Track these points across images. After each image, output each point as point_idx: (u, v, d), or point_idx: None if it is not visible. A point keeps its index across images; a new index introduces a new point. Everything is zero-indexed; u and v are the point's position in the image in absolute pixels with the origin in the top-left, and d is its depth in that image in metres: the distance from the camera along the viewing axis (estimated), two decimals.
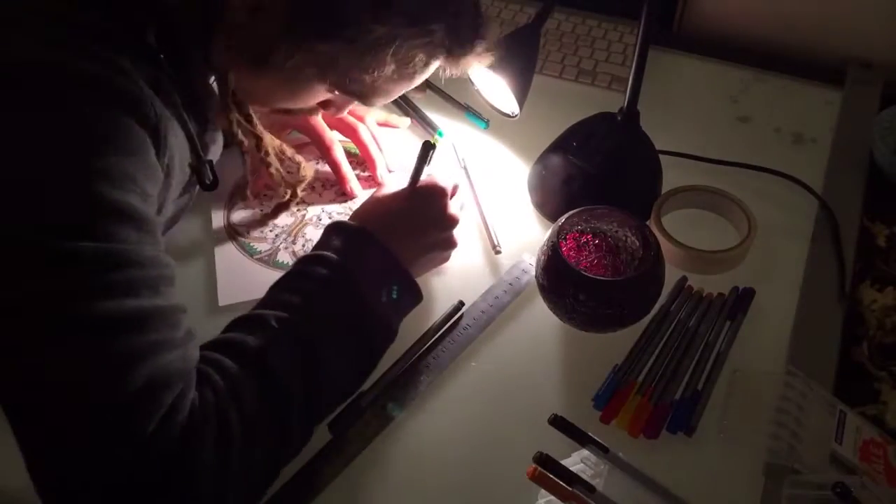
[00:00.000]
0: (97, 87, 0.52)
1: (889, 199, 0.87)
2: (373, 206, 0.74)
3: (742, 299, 0.75)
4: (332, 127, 0.87)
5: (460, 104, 0.98)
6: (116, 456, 0.49)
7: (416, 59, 0.62)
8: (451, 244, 0.75)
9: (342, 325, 0.63)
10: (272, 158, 0.77)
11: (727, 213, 0.83)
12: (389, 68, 0.61)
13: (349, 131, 0.88)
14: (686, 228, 0.80)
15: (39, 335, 0.49)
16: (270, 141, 0.77)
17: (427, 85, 1.02)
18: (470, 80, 0.91)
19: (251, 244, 0.81)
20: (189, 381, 0.53)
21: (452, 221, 0.75)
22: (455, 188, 0.78)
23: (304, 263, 0.66)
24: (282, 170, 0.80)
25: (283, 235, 0.82)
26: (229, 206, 0.85)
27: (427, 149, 0.73)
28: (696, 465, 0.64)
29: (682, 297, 0.76)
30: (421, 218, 0.73)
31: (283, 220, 0.84)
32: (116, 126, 0.53)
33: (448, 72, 0.68)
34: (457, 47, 0.65)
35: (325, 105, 0.74)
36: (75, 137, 0.51)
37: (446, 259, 0.77)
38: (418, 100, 1.00)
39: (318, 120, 0.86)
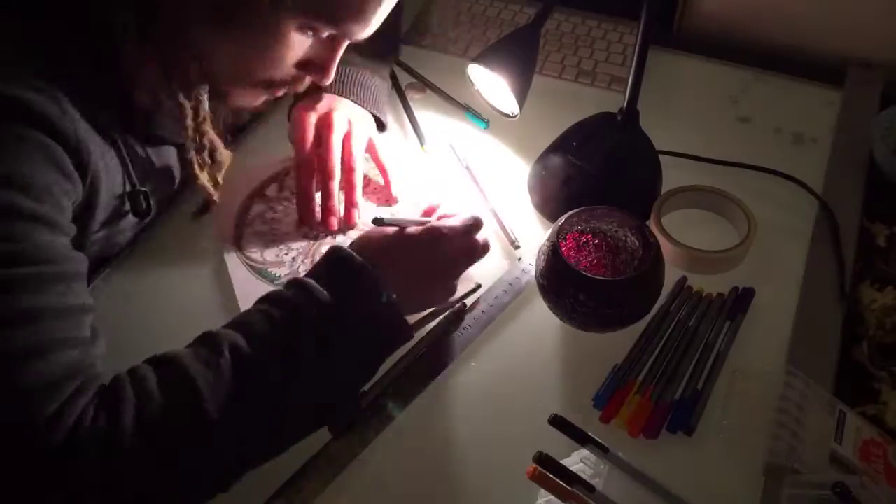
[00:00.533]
0: (20, 109, 0.54)
1: (889, 199, 0.87)
2: (387, 243, 0.68)
3: (742, 299, 0.75)
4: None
5: (460, 104, 0.98)
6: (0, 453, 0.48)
7: None
8: (452, 291, 0.72)
9: (310, 364, 0.58)
10: (204, 155, 0.71)
11: (727, 213, 0.83)
12: None
13: (347, 169, 0.82)
14: (686, 228, 0.80)
15: None
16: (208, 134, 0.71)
17: (427, 85, 1.02)
18: (470, 80, 0.91)
19: (268, 270, 0.79)
20: (86, 383, 0.51)
21: (467, 258, 0.71)
22: (478, 222, 0.73)
23: (293, 289, 0.62)
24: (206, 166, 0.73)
25: (301, 257, 0.81)
26: (241, 235, 0.82)
27: (377, 223, 0.68)
28: (696, 465, 0.65)
29: (682, 297, 0.76)
30: (429, 262, 0.68)
31: (298, 242, 0.82)
32: (38, 147, 0.55)
33: None
34: None
35: (306, 67, 0.68)
36: None
37: (445, 302, 0.73)
38: (417, 101, 1.00)
39: (331, 148, 0.81)
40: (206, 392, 0.53)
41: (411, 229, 0.69)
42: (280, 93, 0.71)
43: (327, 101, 0.84)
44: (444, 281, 0.71)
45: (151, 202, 0.71)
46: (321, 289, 0.61)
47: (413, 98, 1.00)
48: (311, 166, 0.81)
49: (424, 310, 0.72)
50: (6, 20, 0.57)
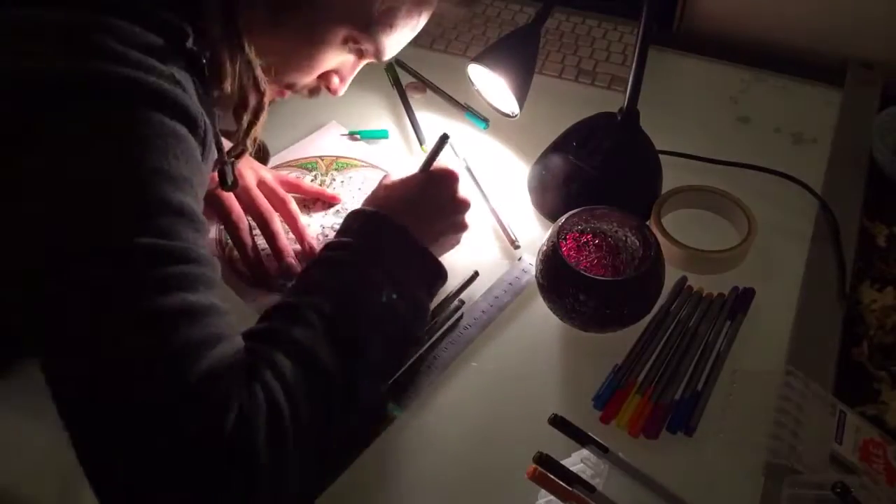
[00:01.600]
0: (163, 100, 0.54)
1: (889, 199, 0.87)
2: (385, 191, 0.73)
3: (742, 299, 0.75)
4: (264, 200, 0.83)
5: (460, 104, 0.98)
6: (173, 451, 0.48)
7: None
8: (462, 227, 0.76)
9: (375, 307, 0.63)
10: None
11: (727, 213, 0.83)
12: None
13: (280, 204, 0.83)
14: (686, 228, 0.80)
15: (96, 329, 0.49)
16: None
17: (427, 85, 1.02)
18: (470, 80, 0.91)
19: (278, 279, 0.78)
20: (239, 372, 0.53)
21: (465, 204, 0.75)
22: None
23: (331, 249, 0.67)
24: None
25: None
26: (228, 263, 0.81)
27: (443, 140, 0.74)
28: (696, 465, 0.64)
29: (682, 297, 0.76)
30: (434, 202, 0.74)
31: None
32: (176, 134, 0.55)
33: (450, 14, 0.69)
34: None
35: (325, 77, 0.73)
36: (142, 140, 0.52)
37: (457, 242, 0.77)
38: (417, 100, 1.00)
39: (255, 192, 0.82)
40: (318, 352, 0.57)
41: (408, 176, 0.74)
42: (287, 96, 0.75)
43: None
44: (449, 215, 0.74)
45: (236, 177, 0.72)
46: (357, 241, 0.66)
47: (413, 97, 1.00)
48: (243, 223, 0.81)
49: (442, 247, 0.75)
50: (135, 9, 0.56)
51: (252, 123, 0.67)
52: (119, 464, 0.49)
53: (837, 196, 0.85)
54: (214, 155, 0.65)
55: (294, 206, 0.83)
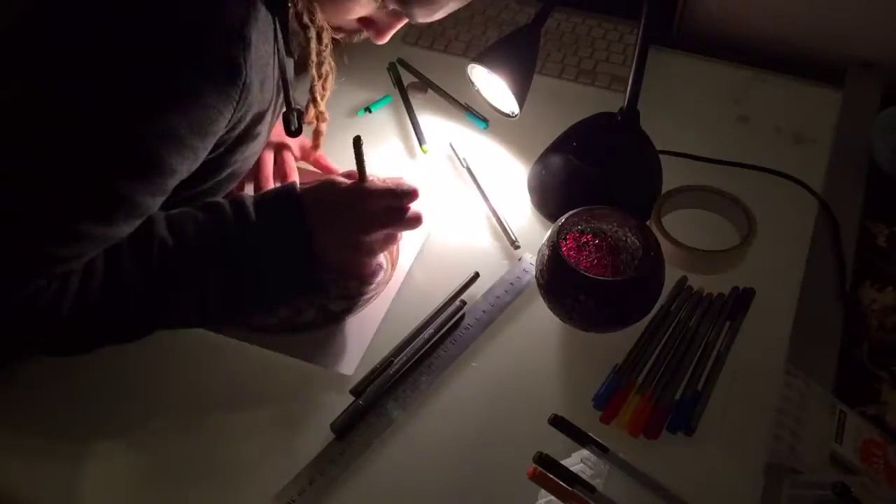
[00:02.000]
0: (214, 62, 0.59)
1: (889, 199, 0.87)
2: (321, 184, 0.74)
3: (742, 299, 0.75)
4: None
5: (460, 104, 0.98)
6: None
7: None
8: (391, 240, 0.76)
9: (214, 268, 0.67)
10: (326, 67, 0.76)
11: (727, 213, 0.83)
12: None
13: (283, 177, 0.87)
14: (686, 228, 0.80)
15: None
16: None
17: (428, 84, 1.02)
18: (470, 80, 0.91)
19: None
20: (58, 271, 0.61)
21: (372, 225, 0.73)
22: (413, 194, 0.75)
23: (231, 203, 0.69)
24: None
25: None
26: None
27: (357, 144, 0.72)
28: (696, 465, 0.65)
29: (682, 297, 0.76)
30: (348, 212, 0.72)
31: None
32: (213, 92, 0.60)
33: None
34: None
35: (366, 23, 0.73)
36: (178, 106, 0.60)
37: (363, 265, 0.76)
38: (417, 100, 1.00)
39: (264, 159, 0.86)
40: (132, 270, 0.64)
41: (343, 178, 0.76)
42: (339, 37, 0.76)
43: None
44: (359, 232, 0.73)
45: (301, 122, 0.75)
46: (251, 208, 0.69)
47: (415, 97, 1.00)
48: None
49: (336, 263, 0.74)
50: None
51: (310, 51, 0.70)
52: None
53: (837, 196, 0.85)
54: (270, 101, 0.69)
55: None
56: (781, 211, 0.84)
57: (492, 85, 0.89)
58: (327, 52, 0.73)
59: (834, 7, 1.03)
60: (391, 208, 0.73)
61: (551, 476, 0.56)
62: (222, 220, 0.68)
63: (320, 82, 0.74)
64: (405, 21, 0.73)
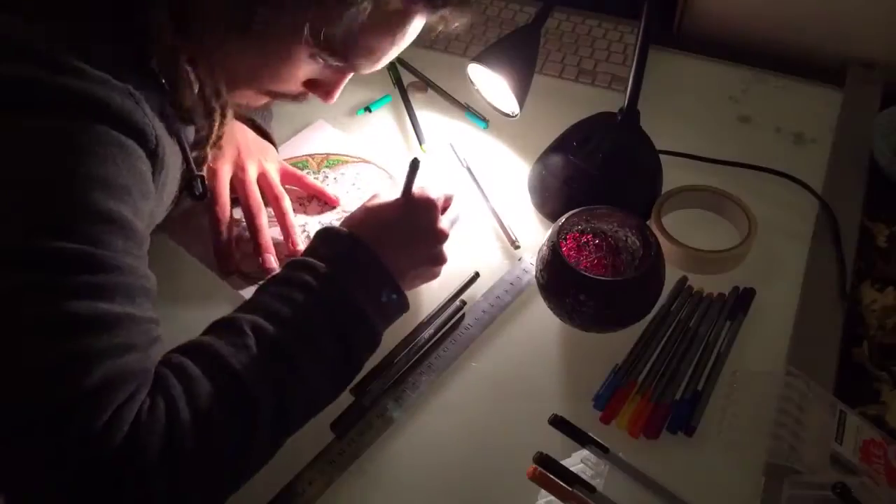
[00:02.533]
0: (107, 111, 0.54)
1: (889, 199, 0.87)
2: (364, 214, 0.72)
3: (742, 299, 0.75)
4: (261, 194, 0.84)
5: (461, 104, 0.98)
6: (64, 454, 0.48)
7: (391, 3, 0.61)
8: (440, 259, 0.73)
9: (325, 334, 0.61)
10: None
11: (727, 213, 0.83)
12: (364, 14, 0.59)
13: (273, 200, 0.84)
14: (686, 228, 0.80)
15: (3, 329, 0.49)
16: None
17: (429, 84, 1.02)
18: (470, 80, 0.91)
19: None
20: (143, 383, 0.52)
21: (442, 236, 0.73)
22: (448, 201, 0.76)
23: (292, 269, 0.64)
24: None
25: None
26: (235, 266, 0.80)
27: (414, 166, 0.71)
28: (696, 465, 0.64)
29: (682, 297, 0.76)
30: (412, 230, 0.71)
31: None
32: (120, 144, 0.55)
33: (439, 27, 0.66)
34: None
35: (312, 86, 0.70)
36: (80, 147, 0.53)
37: (436, 275, 0.75)
38: (417, 99, 1.00)
39: (251, 186, 0.83)
40: (242, 371, 0.55)
41: (389, 200, 0.72)
42: (272, 103, 0.75)
43: (234, 150, 0.83)
44: (426, 246, 0.72)
45: (206, 187, 0.72)
46: (322, 264, 0.64)
47: (414, 97, 1.00)
48: (224, 215, 0.81)
49: (416, 278, 0.73)
50: (71, 23, 0.56)
51: (209, 134, 0.67)
52: (12, 471, 0.49)
53: (837, 196, 0.85)
54: (178, 167, 0.66)
55: (286, 204, 0.83)
56: (781, 211, 0.84)
57: (492, 85, 0.89)
58: (226, 128, 0.68)
59: (834, 7, 1.03)
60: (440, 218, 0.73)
61: (551, 476, 0.56)
62: (304, 284, 0.62)
63: (212, 156, 0.71)
64: (351, 75, 0.70)
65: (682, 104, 0.99)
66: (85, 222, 0.52)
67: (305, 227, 0.84)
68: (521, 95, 0.85)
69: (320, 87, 0.70)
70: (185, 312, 0.75)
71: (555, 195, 0.84)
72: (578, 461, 0.60)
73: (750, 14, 1.08)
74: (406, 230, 0.71)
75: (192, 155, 0.69)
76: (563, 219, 0.72)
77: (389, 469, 0.65)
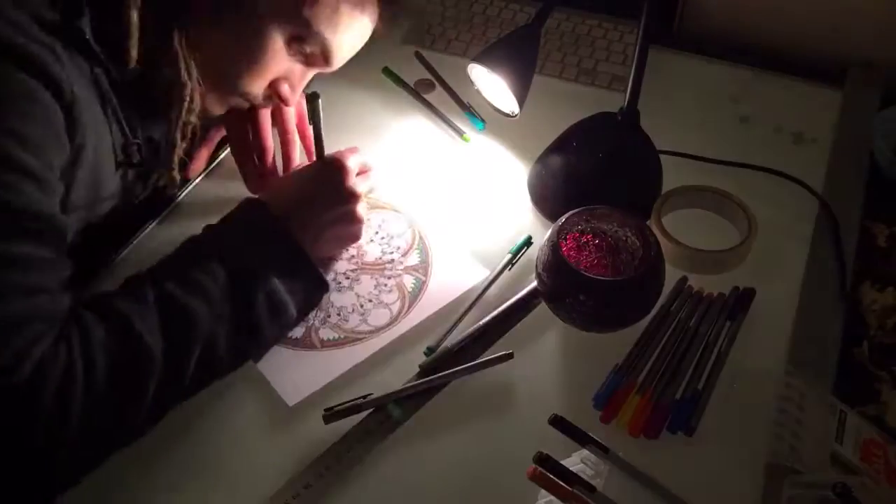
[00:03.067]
0: (24, 61, 0.56)
1: (889, 199, 0.87)
2: (283, 181, 0.77)
3: (742, 299, 0.75)
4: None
5: (463, 103, 0.98)
6: None
7: None
8: (354, 219, 0.76)
9: (230, 300, 0.64)
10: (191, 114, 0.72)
11: (727, 213, 0.83)
12: None
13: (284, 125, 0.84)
14: (686, 228, 0.79)
15: None
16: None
17: (438, 82, 1.02)
18: (470, 80, 0.91)
19: None
20: (51, 325, 0.55)
21: (353, 196, 0.75)
22: (364, 167, 0.80)
23: (203, 232, 0.68)
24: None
25: (313, 313, 0.76)
26: None
27: (312, 101, 0.73)
28: (696, 465, 0.64)
29: (682, 297, 0.76)
30: (324, 191, 0.74)
31: None
32: (32, 96, 0.57)
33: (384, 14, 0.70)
34: None
35: (277, 84, 0.73)
36: None
37: (356, 235, 0.78)
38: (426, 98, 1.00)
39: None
40: (138, 322, 0.59)
41: (305, 165, 0.78)
42: (246, 106, 0.77)
43: None
44: (338, 204, 0.74)
45: (144, 154, 0.73)
46: (230, 230, 0.68)
47: (423, 95, 1.00)
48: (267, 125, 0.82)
49: (333, 239, 0.76)
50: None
51: (178, 117, 0.69)
52: None
53: (837, 196, 0.85)
54: (108, 140, 0.67)
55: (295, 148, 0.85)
56: (781, 211, 0.84)
57: (492, 85, 0.89)
58: (193, 116, 0.70)
59: (834, 7, 1.03)
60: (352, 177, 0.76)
61: (551, 476, 0.56)
62: (203, 246, 0.67)
63: (182, 145, 0.72)
64: (313, 73, 0.75)
65: (682, 104, 0.99)
66: (1, 171, 0.54)
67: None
68: (521, 95, 0.85)
69: (281, 86, 0.74)
70: None
71: (555, 195, 0.84)
72: (578, 461, 0.60)
73: (750, 14, 1.08)
74: (318, 191, 0.74)
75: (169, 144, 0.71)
76: (563, 219, 0.72)
77: (389, 469, 0.65)
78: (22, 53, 0.56)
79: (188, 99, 0.68)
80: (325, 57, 0.72)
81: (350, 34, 0.72)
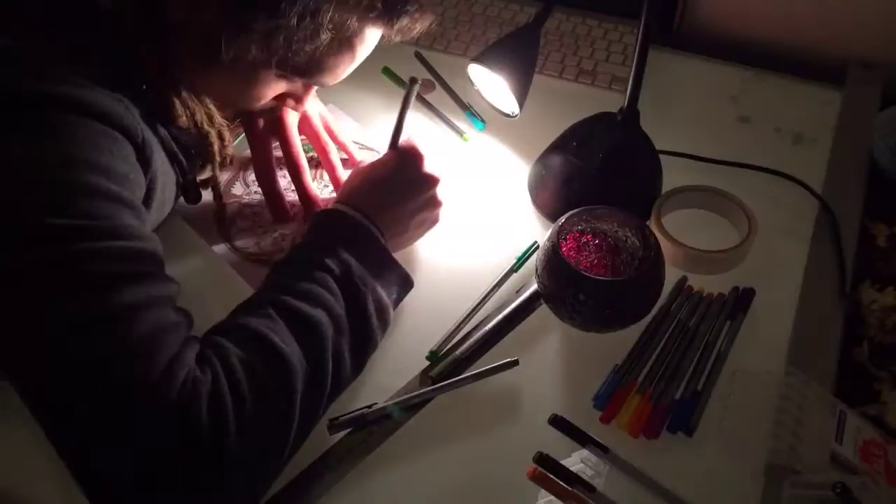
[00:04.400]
0: (101, 111, 0.58)
1: (889, 199, 0.87)
2: (360, 180, 0.75)
3: (742, 299, 0.75)
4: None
5: (463, 103, 0.98)
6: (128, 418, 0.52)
7: (350, 23, 0.63)
8: (436, 203, 0.77)
9: (346, 311, 0.65)
10: (228, 148, 0.76)
11: (727, 213, 0.83)
12: (325, 36, 0.62)
13: (311, 133, 0.86)
14: (686, 228, 0.80)
15: (37, 301, 0.52)
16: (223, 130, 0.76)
17: (438, 82, 1.02)
18: (470, 80, 0.91)
19: (274, 258, 0.80)
20: (189, 347, 0.56)
21: (433, 180, 0.76)
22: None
23: (297, 250, 0.69)
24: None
25: (296, 237, 0.81)
26: (227, 235, 0.83)
27: (411, 86, 0.74)
28: (696, 465, 0.64)
29: (682, 297, 0.76)
30: (404, 181, 0.75)
31: (287, 225, 0.83)
32: (114, 141, 0.59)
33: (391, 38, 0.69)
34: (388, 9, 0.65)
35: (283, 99, 0.74)
36: (74, 136, 0.56)
37: (436, 220, 0.78)
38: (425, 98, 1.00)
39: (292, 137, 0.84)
40: (274, 337, 0.59)
41: (378, 159, 0.77)
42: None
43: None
44: (420, 193, 0.75)
45: (200, 191, 0.79)
46: (323, 242, 0.68)
47: (426, 95, 1.00)
48: (300, 158, 0.83)
49: (419, 226, 0.77)
50: (59, 37, 0.60)
51: (212, 152, 0.73)
52: (92, 461, 0.53)
53: (837, 196, 0.85)
54: (172, 180, 0.70)
55: (334, 156, 0.85)
56: (781, 211, 0.84)
57: (492, 85, 0.89)
58: (230, 148, 0.75)
59: (834, 7, 1.03)
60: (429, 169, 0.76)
61: (551, 476, 0.56)
62: (322, 265, 0.66)
63: (222, 177, 0.76)
64: (315, 87, 0.76)
65: (682, 104, 0.99)
66: (95, 201, 0.55)
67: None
68: (521, 95, 0.85)
69: (287, 101, 0.75)
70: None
71: (555, 195, 0.84)
72: (578, 461, 0.60)
73: (750, 14, 1.08)
74: (399, 183, 0.74)
75: (199, 178, 0.75)
76: (563, 219, 0.72)
77: (389, 468, 0.65)
78: (91, 103, 0.57)
79: (216, 143, 0.72)
80: (319, 85, 0.73)
81: (344, 65, 0.70)
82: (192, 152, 0.72)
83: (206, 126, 0.70)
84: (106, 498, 0.53)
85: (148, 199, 0.65)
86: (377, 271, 0.68)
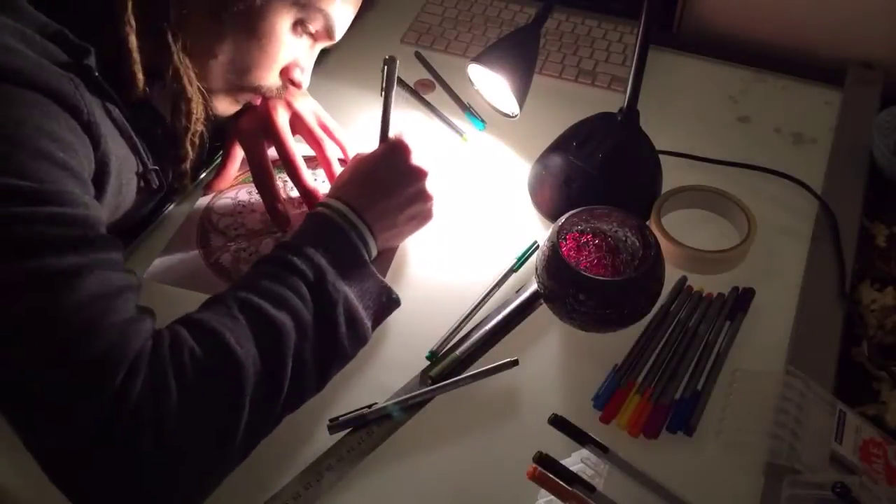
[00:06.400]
0: (48, 92, 0.58)
1: (889, 199, 0.87)
2: (348, 173, 0.75)
3: (742, 299, 0.75)
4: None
5: (463, 103, 0.98)
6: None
7: None
8: (426, 196, 0.76)
9: (315, 320, 0.63)
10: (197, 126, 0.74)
11: (727, 213, 0.83)
12: None
13: (312, 141, 0.85)
14: (686, 228, 0.80)
15: None
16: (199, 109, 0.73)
17: (438, 81, 1.02)
18: (470, 80, 0.91)
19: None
20: (137, 319, 0.55)
21: (421, 173, 0.75)
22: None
23: (280, 249, 0.66)
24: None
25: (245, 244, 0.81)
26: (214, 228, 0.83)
27: (391, 67, 0.73)
28: (696, 465, 0.65)
29: (682, 297, 0.76)
30: (393, 174, 0.74)
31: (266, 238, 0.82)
32: (57, 113, 0.58)
33: None
34: None
35: (287, 71, 0.74)
36: (23, 102, 0.56)
37: (428, 215, 0.77)
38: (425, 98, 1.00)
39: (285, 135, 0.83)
40: (230, 337, 0.57)
41: (368, 153, 0.76)
42: (258, 101, 0.78)
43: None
44: (408, 186, 0.74)
45: (163, 179, 0.76)
46: (313, 250, 0.65)
47: (425, 95, 1.00)
48: (295, 157, 0.82)
49: (411, 221, 0.76)
50: (24, 9, 0.60)
51: (186, 129, 0.71)
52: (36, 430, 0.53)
53: (837, 196, 0.85)
54: (130, 167, 0.70)
55: (329, 150, 0.84)
56: (781, 211, 0.84)
57: (492, 85, 0.89)
58: (200, 124, 0.72)
59: (834, 7, 1.03)
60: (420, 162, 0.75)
61: (551, 476, 0.56)
62: (298, 271, 0.64)
63: (192, 155, 0.74)
64: (318, 51, 0.76)
65: (682, 104, 0.99)
66: (42, 165, 0.55)
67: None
68: (521, 96, 0.85)
69: (293, 71, 0.74)
70: None
71: (555, 195, 0.84)
72: (578, 461, 0.60)
73: (750, 14, 1.08)
74: (386, 176, 0.74)
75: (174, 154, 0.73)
76: (563, 219, 0.72)
77: (389, 468, 0.65)
78: (38, 79, 0.57)
79: (194, 110, 0.70)
80: (328, 30, 0.73)
81: (348, 4, 0.72)
82: (160, 134, 0.71)
83: (187, 84, 0.68)
84: (49, 467, 0.53)
85: (101, 182, 0.64)
86: (354, 281, 0.66)
